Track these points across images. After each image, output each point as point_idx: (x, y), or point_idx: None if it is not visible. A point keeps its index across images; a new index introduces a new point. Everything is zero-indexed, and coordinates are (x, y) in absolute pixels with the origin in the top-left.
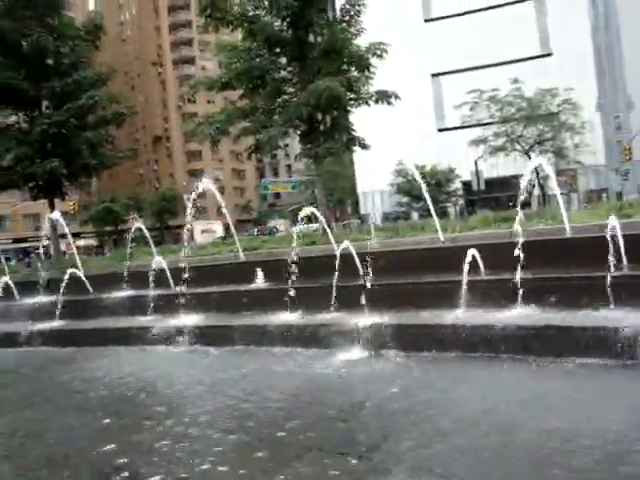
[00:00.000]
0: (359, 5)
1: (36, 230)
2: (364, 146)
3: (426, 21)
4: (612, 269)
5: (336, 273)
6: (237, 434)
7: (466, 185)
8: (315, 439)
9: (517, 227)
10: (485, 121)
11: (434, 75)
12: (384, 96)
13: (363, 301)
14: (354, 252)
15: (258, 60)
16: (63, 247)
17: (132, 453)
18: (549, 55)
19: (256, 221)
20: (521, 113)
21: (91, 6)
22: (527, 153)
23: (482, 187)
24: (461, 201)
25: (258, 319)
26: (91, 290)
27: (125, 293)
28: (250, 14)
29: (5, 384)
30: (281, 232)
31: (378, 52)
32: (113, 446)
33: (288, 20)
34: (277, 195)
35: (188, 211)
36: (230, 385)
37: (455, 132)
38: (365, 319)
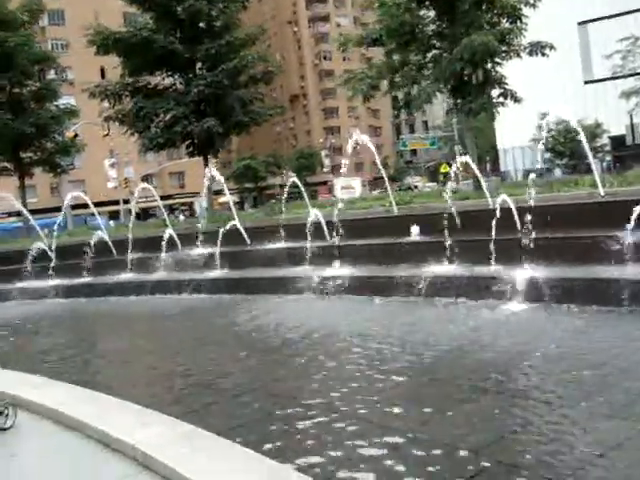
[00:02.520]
0: None
1: (180, 188)
2: (517, 99)
3: None
4: None
5: (494, 227)
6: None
7: (614, 140)
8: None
9: None
10: (638, 71)
11: (581, 23)
12: (539, 47)
13: (522, 254)
14: (513, 206)
15: (408, 15)
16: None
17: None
18: None
19: (393, 178)
20: None
21: None
22: None
23: (638, 141)
24: (608, 157)
25: (417, 270)
26: (249, 242)
27: (283, 244)
28: None
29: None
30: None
31: (531, 1)
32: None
33: None
34: (414, 152)
35: (343, 165)
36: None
37: (603, 84)
38: (525, 272)
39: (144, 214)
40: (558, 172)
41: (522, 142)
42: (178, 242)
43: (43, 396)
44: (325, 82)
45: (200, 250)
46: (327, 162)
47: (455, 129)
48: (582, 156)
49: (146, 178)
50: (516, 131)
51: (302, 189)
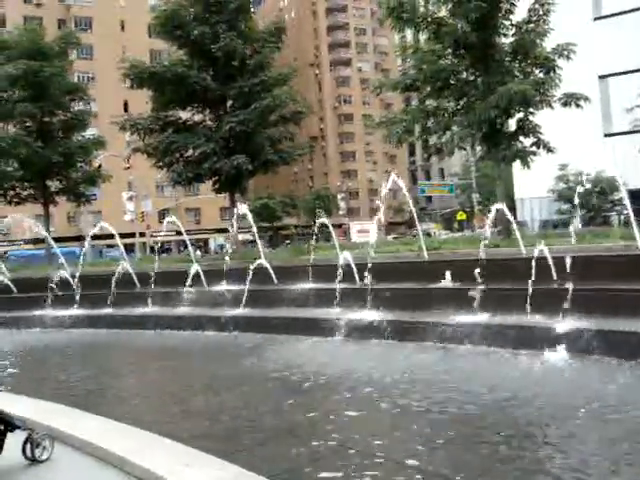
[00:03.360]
0: (548, 4)
1: (196, 224)
2: (550, 149)
3: (596, 19)
4: None
5: (532, 276)
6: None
7: (634, 194)
8: None
9: None
10: None
11: (602, 77)
12: (573, 98)
13: (563, 305)
14: (549, 256)
15: (443, 62)
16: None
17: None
18: None
19: (409, 224)
20: None
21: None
22: None
23: None
24: (626, 210)
25: (451, 318)
26: (276, 281)
27: (311, 285)
28: (436, 16)
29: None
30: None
31: (565, 53)
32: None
33: (474, 22)
34: (429, 199)
35: (381, 207)
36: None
37: (623, 137)
38: (564, 323)
39: (159, 249)
40: (576, 223)
41: (540, 193)
42: (203, 278)
43: (77, 428)
44: (344, 125)
45: (226, 287)
46: (343, 205)
47: (473, 177)
48: (600, 209)
49: (163, 213)
50: (534, 181)
51: (332, 230)
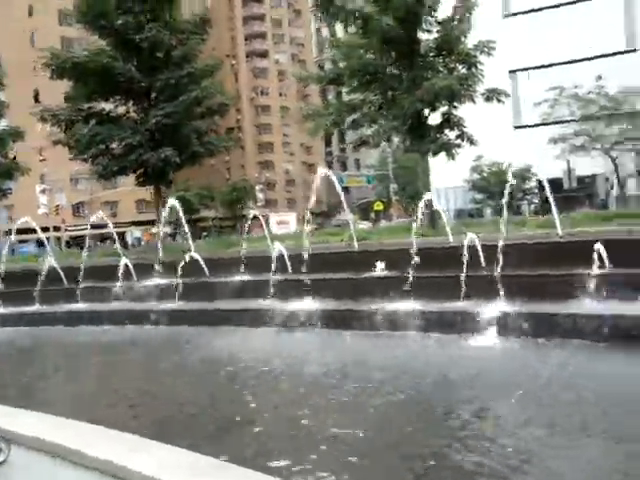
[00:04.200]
0: (471, 2)
1: (113, 217)
2: (472, 142)
3: (505, 16)
4: None
5: (462, 264)
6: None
7: (550, 183)
8: None
9: None
10: (565, 119)
11: (512, 71)
12: (495, 93)
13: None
14: (478, 244)
15: (370, 56)
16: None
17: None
18: (634, 51)
19: (326, 214)
20: (603, 111)
21: None
22: (608, 152)
23: (574, 185)
24: (536, 200)
25: (386, 305)
26: (208, 273)
27: (244, 277)
28: (364, 11)
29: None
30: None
31: (486, 49)
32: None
33: (400, 18)
34: (345, 190)
35: (312, 199)
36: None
37: (533, 130)
38: (494, 307)
39: (75, 243)
40: (488, 212)
41: (455, 183)
42: (133, 272)
43: (19, 424)
44: (261, 117)
45: (158, 280)
46: (261, 196)
47: (390, 168)
48: (513, 197)
49: (78, 206)
50: (449, 172)
51: (264, 223)
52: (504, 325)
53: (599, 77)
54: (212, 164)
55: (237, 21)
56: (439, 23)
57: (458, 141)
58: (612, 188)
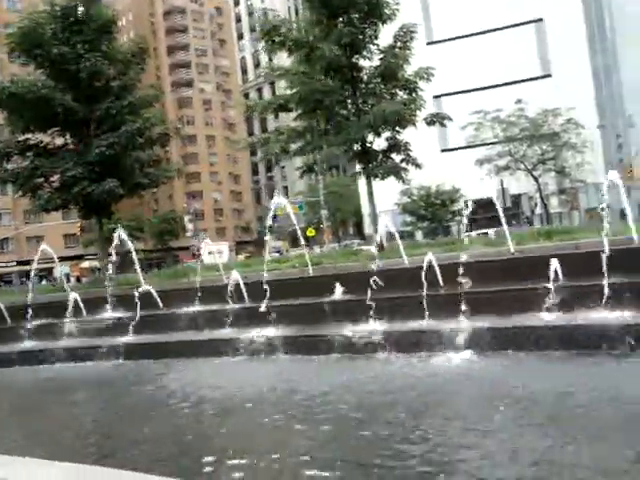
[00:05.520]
0: (412, 32)
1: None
2: (417, 165)
3: (428, 44)
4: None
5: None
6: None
7: (479, 203)
8: None
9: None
10: (489, 141)
11: (436, 97)
12: (438, 118)
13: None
14: (435, 264)
15: (316, 84)
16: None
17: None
18: (549, 76)
19: (256, 242)
20: (524, 133)
21: None
22: (531, 172)
23: (508, 204)
24: (465, 220)
25: (349, 328)
26: (161, 305)
27: (200, 308)
28: (308, 39)
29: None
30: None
31: (425, 76)
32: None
33: (344, 46)
34: (274, 217)
35: (268, 224)
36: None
37: (459, 153)
38: (458, 324)
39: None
40: (419, 234)
41: (385, 206)
42: (82, 306)
43: None
44: (187, 147)
45: (110, 314)
46: (190, 226)
47: (321, 195)
48: (442, 219)
49: (2, 242)
50: (380, 195)
51: (212, 251)
52: (470, 340)
53: (519, 100)
54: (140, 195)
55: (161, 50)
56: (381, 51)
57: (403, 164)
58: (536, 206)
